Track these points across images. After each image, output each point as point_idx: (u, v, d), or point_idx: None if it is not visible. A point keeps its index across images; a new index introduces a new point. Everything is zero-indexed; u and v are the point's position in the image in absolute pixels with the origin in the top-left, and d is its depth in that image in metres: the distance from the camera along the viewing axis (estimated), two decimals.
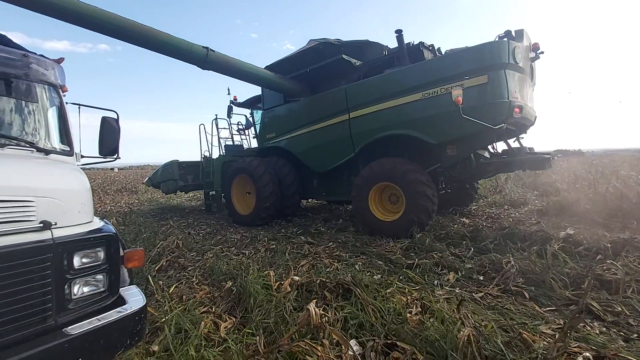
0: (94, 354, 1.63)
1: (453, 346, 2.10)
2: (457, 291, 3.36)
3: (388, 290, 3.24)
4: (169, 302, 3.20)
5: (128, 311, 1.79)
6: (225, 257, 4.78)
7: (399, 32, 5.94)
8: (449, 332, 2.21)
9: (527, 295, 3.23)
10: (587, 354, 2.07)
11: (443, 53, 6.27)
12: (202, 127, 9.14)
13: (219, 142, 9.25)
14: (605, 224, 5.72)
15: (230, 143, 9.68)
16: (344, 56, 6.47)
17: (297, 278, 3.62)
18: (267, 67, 7.60)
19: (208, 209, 9.38)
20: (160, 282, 3.82)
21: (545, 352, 2.03)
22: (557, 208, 6.91)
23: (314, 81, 7.34)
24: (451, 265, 4.07)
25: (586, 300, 2.99)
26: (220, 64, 6.43)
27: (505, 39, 4.86)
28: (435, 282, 3.66)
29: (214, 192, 9.11)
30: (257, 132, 8.84)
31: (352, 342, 2.42)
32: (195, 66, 6.43)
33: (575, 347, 2.20)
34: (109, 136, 2.79)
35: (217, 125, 9.16)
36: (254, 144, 9.45)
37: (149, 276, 3.83)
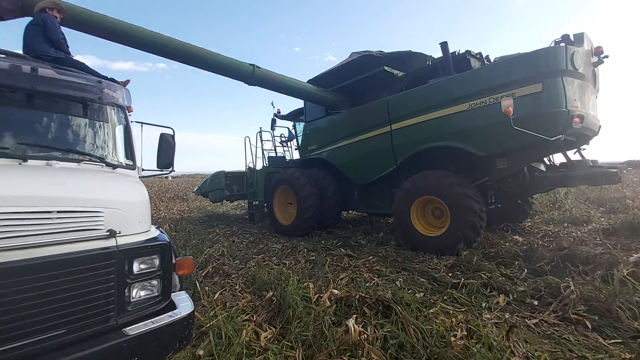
0: (147, 354, 1.77)
1: None
2: (507, 316, 3.12)
3: (431, 311, 3.10)
4: (213, 309, 3.36)
5: (178, 316, 1.92)
6: (267, 267, 4.90)
7: (443, 43, 5.81)
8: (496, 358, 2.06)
9: (589, 325, 2.91)
10: None
11: (492, 61, 5.99)
12: (247, 139, 9.57)
13: (263, 153, 9.62)
14: None
15: (274, 155, 10.01)
16: (386, 68, 6.45)
17: (336, 292, 3.60)
18: (309, 81, 7.81)
19: (251, 218, 9.73)
20: (207, 288, 4.02)
21: None
22: (626, 227, 6.15)
23: (356, 93, 7.39)
24: (501, 287, 3.80)
25: None
26: (265, 79, 6.74)
27: (562, 44, 4.53)
28: (483, 304, 3.43)
29: (257, 202, 9.44)
30: (299, 144, 9.06)
31: None
32: (243, 82, 6.82)
33: None
34: (166, 151, 3.05)
35: (261, 137, 9.54)
36: (296, 155, 9.68)
37: (197, 282, 4.05)
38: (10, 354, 1.45)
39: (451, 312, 3.16)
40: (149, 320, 1.84)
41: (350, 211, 9.49)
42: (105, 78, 2.98)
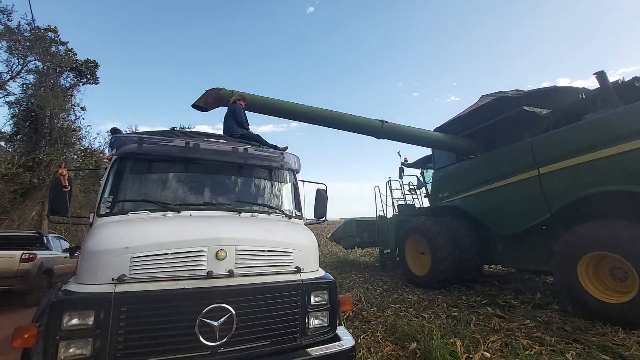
0: None
1: None
2: None
3: None
4: (359, 351, 3.57)
5: (345, 346, 2.26)
6: (405, 317, 4.87)
7: (600, 73, 5.11)
8: None
9: None
10: None
11: None
12: (377, 188, 10.07)
13: (392, 202, 9.85)
14: None
15: (403, 203, 10.12)
16: (526, 107, 6.01)
17: (488, 355, 3.32)
18: (437, 129, 7.90)
19: (383, 265, 9.82)
20: (350, 330, 4.28)
21: None
22: None
23: (491, 137, 7.02)
24: None
25: None
26: (394, 132, 7.22)
27: None
28: None
29: (388, 250, 9.53)
30: (429, 191, 8.94)
31: None
32: (373, 137, 7.47)
33: None
34: (321, 203, 3.70)
35: (390, 186, 9.88)
36: (426, 203, 9.52)
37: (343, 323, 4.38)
38: (238, 354, 2.02)
39: None
40: (323, 346, 2.22)
41: (493, 265, 8.46)
42: (272, 146, 3.94)
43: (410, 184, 10.42)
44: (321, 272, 2.57)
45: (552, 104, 6.26)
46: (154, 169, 2.91)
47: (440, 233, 7.05)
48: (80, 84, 17.66)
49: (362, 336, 4.12)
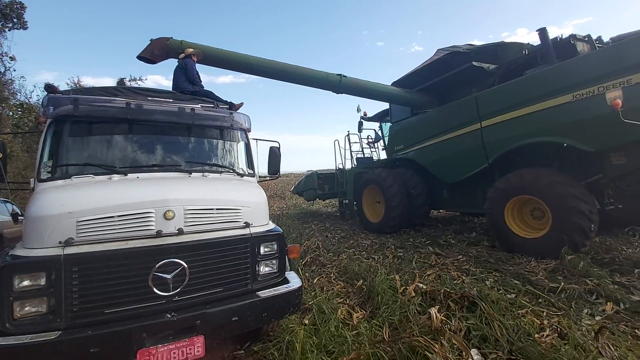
0: (272, 311, 2.46)
1: None
2: (612, 324, 2.93)
3: (521, 311, 3.13)
4: (314, 290, 4.01)
5: (292, 287, 2.58)
6: (357, 260, 5.41)
7: (542, 30, 5.39)
8: (582, 358, 2.11)
9: None
10: None
11: (605, 43, 5.28)
12: (336, 142, 10.29)
13: (351, 155, 10.19)
14: None
15: (361, 156, 10.49)
16: (475, 63, 6.26)
17: (422, 285, 3.87)
18: (394, 83, 8.03)
19: (342, 215, 10.44)
20: (306, 274, 4.74)
21: None
22: None
23: (443, 92, 7.30)
24: (611, 295, 3.49)
25: None
26: (352, 87, 7.24)
27: None
28: (585, 311, 3.25)
29: (347, 201, 10.08)
30: (386, 144, 9.32)
31: (474, 352, 2.57)
32: (331, 92, 7.46)
33: None
34: (274, 160, 3.83)
35: (349, 140, 10.14)
36: (383, 156, 9.96)
37: (298, 268, 4.80)
38: (192, 301, 2.26)
39: (544, 314, 3.12)
40: (272, 289, 2.52)
41: (439, 210, 9.33)
42: (225, 102, 3.90)
43: (369, 137, 10.74)
44: (271, 225, 2.80)
45: (500, 59, 6.56)
46: (95, 131, 2.83)
47: (394, 183, 7.56)
48: (6, 30, 15.23)
49: (317, 278, 4.58)
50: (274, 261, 2.64)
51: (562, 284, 3.80)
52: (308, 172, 11.77)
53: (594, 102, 4.41)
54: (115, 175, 2.59)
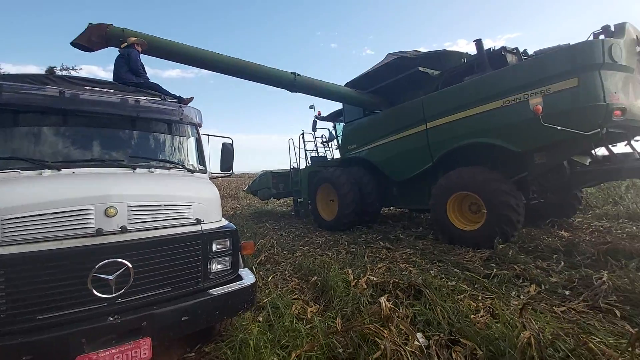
0: (225, 309, 2.41)
1: (512, 345, 2.28)
2: (534, 302, 3.33)
3: (460, 296, 3.42)
4: (268, 288, 3.99)
5: (245, 284, 2.54)
6: (311, 257, 5.48)
7: (477, 41, 5.92)
8: (509, 332, 2.38)
9: (618, 314, 3.03)
10: None
11: (530, 55, 5.97)
12: (290, 141, 10.30)
13: (306, 154, 10.27)
14: None
15: (315, 155, 10.62)
16: (420, 68, 6.68)
17: (373, 277, 4.05)
18: (347, 84, 8.26)
19: (297, 214, 10.47)
20: (261, 272, 4.69)
21: None
22: None
23: (393, 94, 7.67)
24: (534, 278, 3.95)
25: None
26: (306, 86, 7.31)
27: (600, 37, 4.48)
28: (513, 293, 3.65)
29: (301, 199, 10.14)
30: (340, 143, 9.55)
31: (419, 335, 2.75)
32: (285, 90, 7.46)
33: None
34: (227, 157, 3.74)
35: (303, 139, 10.20)
36: (337, 155, 10.19)
37: (252, 267, 4.74)
38: (138, 302, 2.14)
39: (479, 297, 3.45)
40: (225, 286, 2.47)
41: (390, 207, 9.78)
42: (174, 96, 3.73)
43: (323, 136, 10.91)
44: (223, 222, 2.73)
45: (443, 66, 7.07)
46: (23, 122, 2.54)
47: (347, 182, 7.78)
48: None
49: (271, 276, 4.56)
50: (226, 258, 2.58)
51: (495, 270, 4.23)
52: (262, 172, 11.62)
53: (520, 108, 4.97)
54: (46, 170, 2.35)
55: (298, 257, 5.49)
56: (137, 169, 2.76)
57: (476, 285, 3.88)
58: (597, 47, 4.33)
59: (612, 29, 4.60)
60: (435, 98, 6.33)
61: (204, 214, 2.53)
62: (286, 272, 4.78)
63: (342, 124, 9.36)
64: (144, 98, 3.11)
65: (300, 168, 10.10)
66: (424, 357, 2.41)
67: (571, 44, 4.64)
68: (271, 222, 9.53)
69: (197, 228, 2.42)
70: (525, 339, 2.24)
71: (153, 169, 2.84)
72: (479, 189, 5.39)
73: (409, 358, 2.35)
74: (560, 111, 4.54)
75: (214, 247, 2.51)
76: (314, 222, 8.84)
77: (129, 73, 4.11)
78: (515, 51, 6.02)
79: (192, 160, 3.36)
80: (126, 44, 4.63)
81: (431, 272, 4.41)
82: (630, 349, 2.10)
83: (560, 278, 3.90)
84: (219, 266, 2.55)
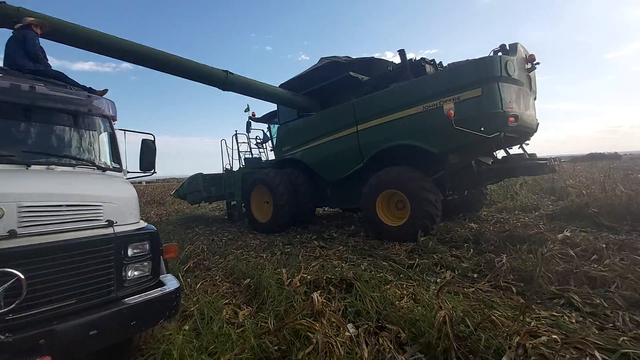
0: (143, 319, 2.18)
1: (430, 325, 2.50)
2: (449, 286, 3.70)
3: (387, 286, 3.63)
4: (196, 295, 3.74)
5: (167, 290, 2.34)
6: (245, 260, 5.31)
7: (401, 51, 6.42)
8: (428, 313, 2.61)
9: (514, 290, 3.53)
10: (555, 337, 2.39)
11: (444, 66, 6.67)
12: (223, 142, 9.89)
13: (239, 155, 9.96)
14: (613, 227, 5.82)
15: (249, 156, 10.37)
16: (351, 73, 7.00)
17: (306, 276, 4.07)
18: (281, 85, 8.25)
19: (230, 217, 10.06)
20: (189, 280, 4.39)
21: (508, 328, 2.38)
22: (566, 212, 7.01)
23: (325, 96, 7.89)
24: (449, 265, 4.41)
25: (569, 294, 3.30)
26: (239, 85, 7.12)
27: (498, 54, 5.22)
28: (432, 279, 4.01)
29: (235, 202, 9.78)
30: (274, 145, 9.48)
31: (349, 326, 2.85)
32: (217, 88, 7.16)
33: (544, 330, 2.53)
34: (148, 155, 3.43)
35: (237, 139, 9.90)
36: (272, 156, 10.09)
37: (179, 274, 4.41)
38: (35, 317, 1.82)
39: (404, 286, 3.71)
40: (144, 294, 2.24)
41: (325, 208, 10.01)
42: (83, 87, 3.32)
43: (258, 137, 10.72)
44: (142, 224, 2.49)
45: (371, 72, 7.50)
46: None
47: (282, 183, 7.74)
48: None
49: (200, 282, 4.29)
50: (145, 263, 2.35)
51: (417, 260, 4.61)
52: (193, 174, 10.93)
53: (437, 113, 5.51)
54: None
55: (230, 261, 5.27)
56: (33, 165, 2.37)
57: (401, 275, 4.17)
58: (496, 62, 5.03)
59: (508, 47, 5.40)
60: (365, 102, 6.67)
61: (117, 215, 2.27)
62: (217, 277, 4.55)
63: (276, 126, 9.30)
64: (42, 85, 2.69)
65: (234, 170, 9.76)
66: (353, 346, 2.50)
67: (476, 58, 5.31)
68: (202, 227, 9.01)
69: (109, 231, 2.16)
70: (441, 318, 2.46)
71: (53, 166, 2.46)
72: (404, 187, 5.83)
73: (340, 348, 2.41)
74: (468, 117, 5.15)
75: (130, 252, 2.27)
76: (248, 225, 8.61)
77: (25, 58, 3.51)
78: (432, 62, 6.68)
79: (104, 157, 3.00)
80: (21, 24, 3.96)
81: (362, 266, 4.61)
82: (522, 318, 2.45)
83: (470, 263, 4.42)
84: (136, 272, 2.31)
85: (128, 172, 3.35)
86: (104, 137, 3.08)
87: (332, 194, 8.01)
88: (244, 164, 9.87)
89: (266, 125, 10.24)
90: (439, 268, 4.41)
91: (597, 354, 2.03)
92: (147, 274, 2.37)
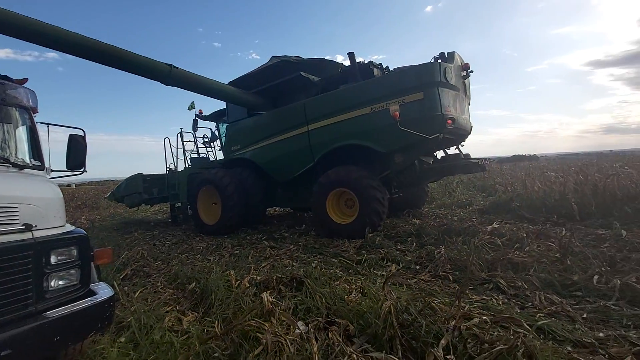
0: (69, 333, 1.94)
1: (376, 316, 2.60)
2: (394, 278, 3.89)
3: (337, 282, 3.70)
4: (133, 305, 3.46)
5: (99, 300, 2.12)
6: (190, 264, 5.04)
7: (350, 53, 6.61)
8: (375, 305, 2.71)
9: (451, 278, 3.83)
10: (485, 318, 2.64)
11: (390, 70, 7.01)
12: (167, 140, 9.29)
13: (185, 154, 9.43)
14: (531, 219, 6.60)
15: (196, 155, 9.88)
16: (302, 73, 7.02)
17: (256, 276, 3.99)
18: (230, 83, 7.98)
19: (174, 220, 9.47)
20: (126, 289, 4.05)
21: (446, 313, 2.58)
22: (494, 207, 7.80)
23: (276, 95, 7.81)
24: (394, 259, 4.64)
25: (496, 279, 3.66)
26: (184, 80, 6.73)
27: (438, 61, 5.62)
28: (379, 273, 4.18)
29: (179, 204, 9.24)
30: (223, 144, 9.14)
31: (299, 323, 2.85)
32: (160, 82, 6.69)
33: (476, 312, 2.77)
34: (76, 152, 3.07)
35: (182, 138, 9.36)
36: (220, 156, 9.72)
37: (114, 282, 4.04)
38: None
39: (352, 280, 3.81)
40: (70, 305, 2.00)
41: (275, 208, 9.90)
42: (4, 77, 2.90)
43: (205, 136, 10.26)
44: (68, 228, 2.23)
45: (322, 73, 7.59)
46: None
47: (231, 183, 7.49)
48: None
49: (139, 291, 3.98)
50: (72, 271, 2.11)
51: (365, 255, 4.77)
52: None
53: (384, 114, 5.77)
54: None
55: (174, 265, 4.96)
56: None
57: (350, 271, 4.29)
58: (436, 69, 5.42)
59: (446, 55, 5.84)
60: (316, 102, 6.73)
61: (37, 218, 2.01)
62: (159, 284, 4.25)
63: (225, 124, 8.98)
64: None
65: (179, 170, 9.21)
66: (303, 342, 2.50)
67: (419, 64, 5.67)
68: (142, 232, 8.35)
69: (26, 236, 1.90)
70: (387, 308, 2.58)
71: None
72: (353, 186, 6.00)
73: (290, 346, 2.40)
74: (412, 118, 5.47)
75: (54, 259, 2.02)
76: (194, 228, 8.18)
77: None
78: (380, 66, 6.96)
79: (22, 153, 2.64)
80: None
81: (312, 264, 4.64)
82: (457, 303, 2.67)
83: (413, 256, 4.70)
84: (60, 282, 2.07)
85: (52, 170, 2.99)
86: (21, 131, 2.72)
87: (282, 193, 7.96)
88: (190, 164, 9.37)
89: (214, 124, 9.84)
90: (385, 262, 4.61)
91: (519, 329, 2.29)
92: (75, 282, 2.13)
